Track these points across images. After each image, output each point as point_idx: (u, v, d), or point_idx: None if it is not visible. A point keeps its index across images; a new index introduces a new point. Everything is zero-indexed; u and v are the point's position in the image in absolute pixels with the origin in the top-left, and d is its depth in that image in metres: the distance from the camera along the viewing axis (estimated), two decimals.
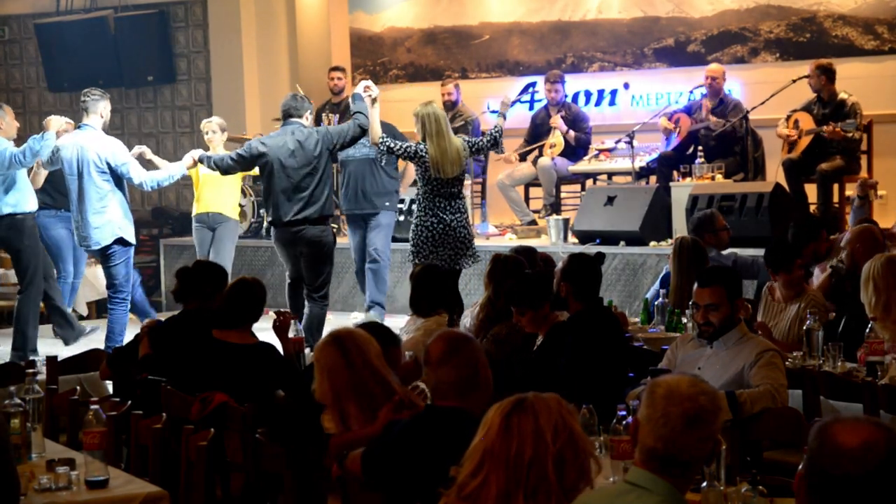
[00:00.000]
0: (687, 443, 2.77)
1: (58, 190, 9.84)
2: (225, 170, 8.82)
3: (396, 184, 10.42)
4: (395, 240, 11.09)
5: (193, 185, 10.26)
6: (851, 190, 10.43)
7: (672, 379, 2.88)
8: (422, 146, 8.36)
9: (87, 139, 8.67)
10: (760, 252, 8.25)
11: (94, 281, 11.40)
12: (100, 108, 8.73)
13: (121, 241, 8.71)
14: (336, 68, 12.49)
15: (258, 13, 13.95)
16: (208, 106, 14.09)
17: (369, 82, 8.72)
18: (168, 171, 9.11)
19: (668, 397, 2.80)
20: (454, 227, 8.35)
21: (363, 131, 8.56)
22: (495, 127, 8.70)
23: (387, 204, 10.12)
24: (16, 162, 8.74)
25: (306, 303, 8.70)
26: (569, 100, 11.91)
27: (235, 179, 10.09)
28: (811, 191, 10.09)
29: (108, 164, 8.62)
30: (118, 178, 8.71)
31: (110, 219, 8.66)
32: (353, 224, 10.27)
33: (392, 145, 8.47)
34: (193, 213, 10.19)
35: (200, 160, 9.10)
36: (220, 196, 10.00)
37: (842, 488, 2.25)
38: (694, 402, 2.79)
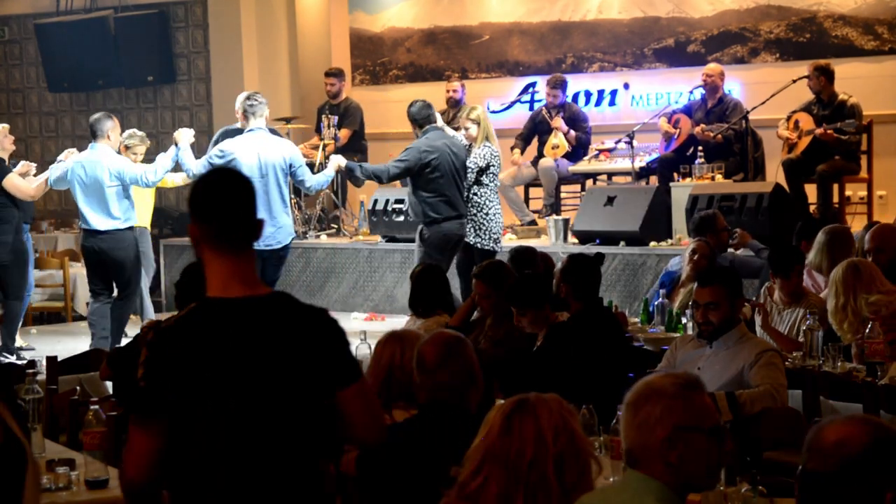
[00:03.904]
0: (628, 430, 2.76)
1: None
2: (388, 178, 8.79)
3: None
4: (394, 240, 11.10)
5: None
6: (851, 190, 10.46)
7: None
8: (492, 148, 8.76)
9: (266, 141, 8.55)
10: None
11: None
12: (266, 112, 8.65)
13: (291, 242, 8.72)
14: (329, 73, 12.42)
15: (258, 13, 13.94)
16: (208, 106, 14.09)
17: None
18: (325, 175, 8.99)
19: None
20: None
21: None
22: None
23: None
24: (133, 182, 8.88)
25: None
26: (569, 100, 11.89)
27: (151, 193, 10.11)
28: (811, 191, 10.08)
29: (290, 165, 8.51)
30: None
31: (289, 220, 8.64)
32: None
33: (481, 164, 8.72)
34: None
35: (349, 168, 8.96)
36: (140, 209, 9.59)
37: (813, 484, 2.27)
38: (635, 391, 2.78)
